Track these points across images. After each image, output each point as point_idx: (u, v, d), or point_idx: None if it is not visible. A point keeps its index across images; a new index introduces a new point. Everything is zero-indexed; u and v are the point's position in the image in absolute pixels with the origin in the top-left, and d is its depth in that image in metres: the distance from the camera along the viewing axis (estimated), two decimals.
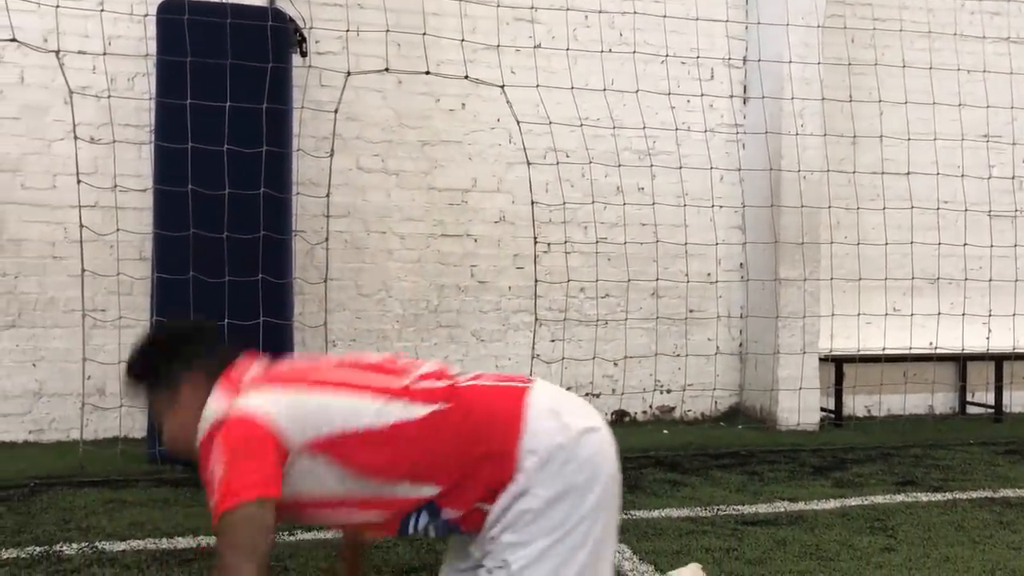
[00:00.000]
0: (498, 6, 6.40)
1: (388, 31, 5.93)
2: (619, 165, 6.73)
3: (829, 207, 6.98)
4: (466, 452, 1.73)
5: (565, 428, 1.77)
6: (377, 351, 6.41)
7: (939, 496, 4.83)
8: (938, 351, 7.22)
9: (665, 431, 6.69)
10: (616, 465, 1.84)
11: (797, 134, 6.77)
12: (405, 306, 6.57)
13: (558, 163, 6.51)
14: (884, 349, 7.01)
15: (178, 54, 5.23)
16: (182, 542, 3.88)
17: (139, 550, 3.76)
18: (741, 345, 7.30)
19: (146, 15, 5.70)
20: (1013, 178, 7.60)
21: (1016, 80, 7.39)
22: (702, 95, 6.93)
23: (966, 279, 7.38)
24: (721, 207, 7.08)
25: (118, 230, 5.69)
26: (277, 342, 5.44)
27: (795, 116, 6.77)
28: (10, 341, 5.91)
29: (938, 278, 7.38)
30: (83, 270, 5.39)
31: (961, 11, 7.59)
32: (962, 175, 7.26)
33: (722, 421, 7.13)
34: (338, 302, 6.34)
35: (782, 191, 6.81)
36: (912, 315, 7.14)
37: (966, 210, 7.29)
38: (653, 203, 6.79)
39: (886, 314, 7.11)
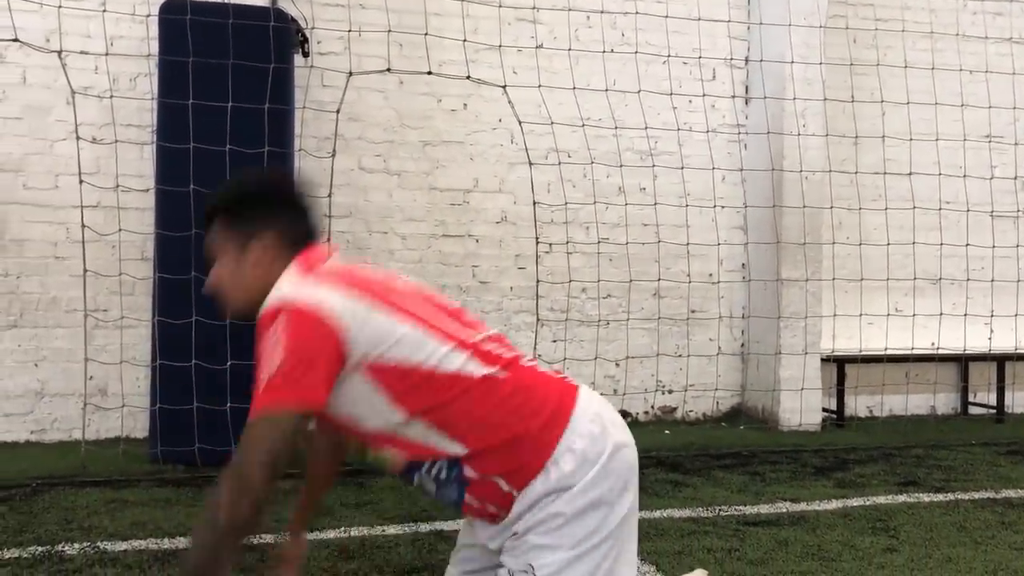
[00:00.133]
0: (500, 6, 6.40)
1: (390, 31, 5.94)
2: (621, 165, 6.72)
3: (831, 207, 6.98)
4: (506, 425, 1.68)
5: (606, 437, 1.73)
6: None
7: (941, 497, 4.83)
8: (940, 351, 7.21)
9: (667, 431, 6.69)
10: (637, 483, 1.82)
11: (799, 134, 6.77)
12: None
13: (560, 163, 6.51)
14: (886, 349, 7.01)
15: (180, 54, 5.23)
16: (184, 542, 3.88)
17: (141, 550, 3.76)
18: (743, 345, 7.30)
19: (148, 15, 5.70)
20: (1015, 178, 7.60)
21: (1019, 80, 7.38)
22: (704, 95, 6.93)
23: (968, 279, 7.37)
24: (723, 207, 7.08)
25: (120, 230, 5.69)
26: None
27: (797, 116, 6.77)
28: (12, 341, 5.91)
29: (940, 278, 7.37)
30: (85, 270, 5.39)
31: (963, 11, 7.58)
32: (964, 175, 7.25)
33: (724, 421, 7.13)
34: None
35: (784, 191, 6.81)
36: (914, 315, 7.13)
37: (968, 210, 7.29)
38: (655, 203, 6.79)
39: (888, 314, 7.10)
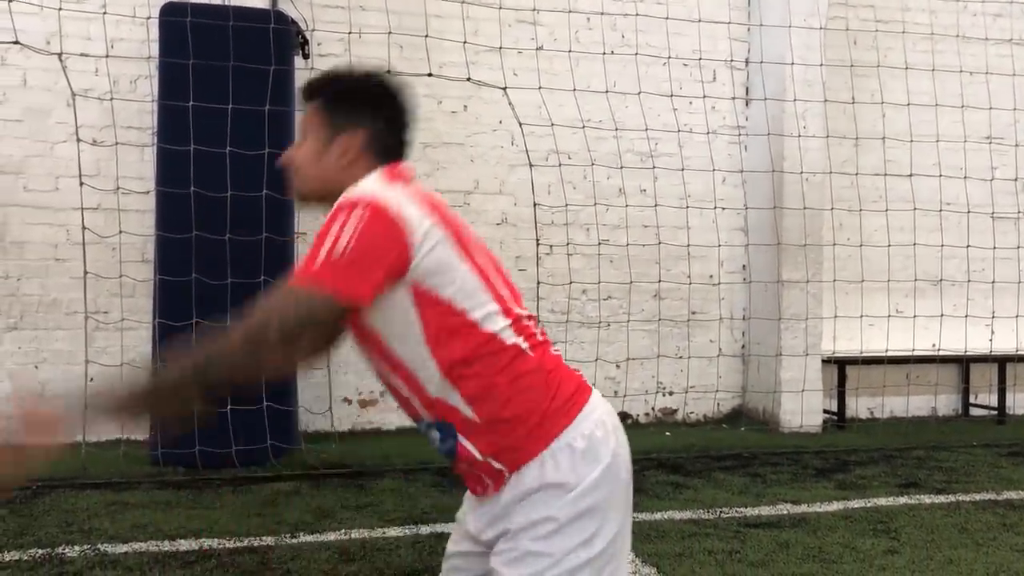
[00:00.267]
0: (500, 8, 6.40)
1: (390, 33, 5.94)
2: (621, 167, 6.72)
3: (832, 209, 6.97)
4: (517, 401, 1.65)
5: (607, 443, 1.69)
6: None
7: (942, 498, 4.82)
8: (941, 353, 7.21)
9: (668, 433, 6.68)
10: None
11: (799, 136, 6.76)
12: None
13: (560, 165, 6.51)
14: (887, 351, 7.00)
15: (180, 56, 5.23)
16: (184, 544, 3.88)
17: (141, 552, 3.76)
18: (743, 347, 7.30)
19: (149, 17, 5.70)
20: (1016, 180, 7.59)
21: (1019, 82, 7.38)
22: (704, 97, 6.93)
23: (969, 281, 7.37)
24: (723, 209, 7.08)
25: (120, 232, 5.69)
26: None
27: (797, 118, 6.77)
28: (12, 343, 5.91)
29: (941, 280, 7.37)
30: (85, 272, 5.39)
31: (963, 13, 7.58)
32: (965, 177, 7.25)
33: (724, 423, 7.12)
34: None
35: (784, 193, 6.80)
36: (915, 317, 7.13)
37: (969, 212, 7.29)
38: (655, 205, 6.79)
39: (889, 316, 7.10)
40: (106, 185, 5.79)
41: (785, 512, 4.53)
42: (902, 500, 4.78)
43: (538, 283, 6.44)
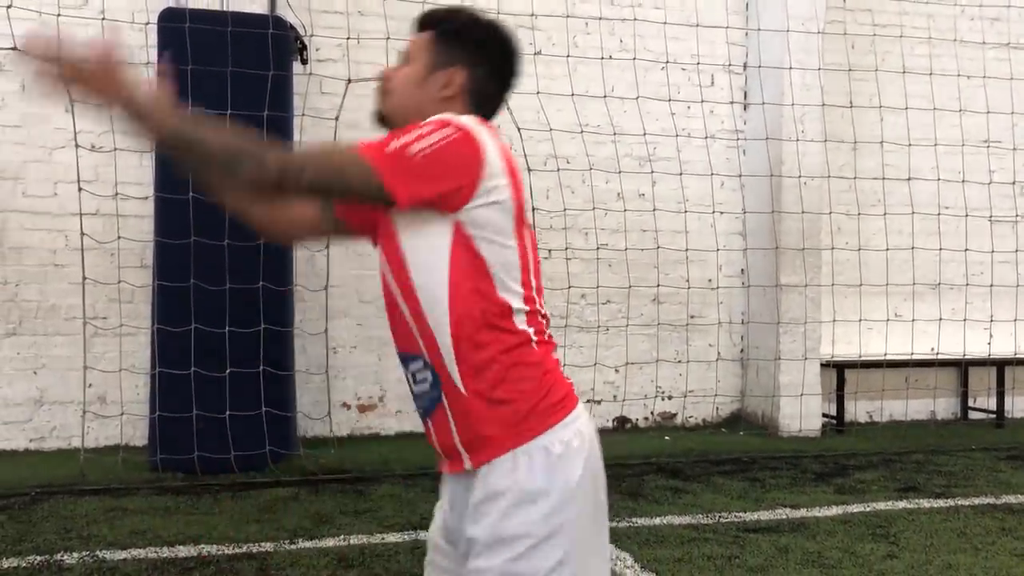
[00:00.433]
0: (498, 14, 6.41)
1: (388, 38, 5.93)
2: (619, 172, 6.73)
3: (830, 213, 6.98)
4: (506, 385, 1.62)
5: (582, 455, 1.66)
6: (378, 360, 6.42)
7: (941, 502, 4.83)
8: (940, 356, 7.21)
9: (667, 437, 6.68)
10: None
11: (798, 140, 6.77)
12: None
13: (559, 169, 6.51)
14: (886, 355, 7.01)
15: (179, 62, 5.23)
16: (183, 551, 3.87)
17: (140, 559, 3.75)
18: (742, 351, 7.30)
19: (147, 23, 5.71)
20: (1014, 183, 7.61)
21: (1016, 85, 7.40)
22: (702, 101, 6.93)
23: (967, 284, 7.37)
24: (722, 213, 7.08)
25: (119, 238, 5.70)
26: (277, 350, 5.45)
27: (795, 122, 6.78)
28: (11, 349, 5.91)
29: (939, 283, 7.37)
30: (84, 278, 5.39)
31: (961, 17, 7.59)
32: (963, 180, 7.26)
33: (723, 427, 7.12)
34: (339, 309, 6.34)
35: (783, 197, 6.81)
36: (913, 321, 7.13)
37: (967, 215, 7.30)
38: (654, 209, 6.79)
39: (887, 320, 7.11)
40: (105, 191, 5.79)
41: (784, 517, 4.53)
42: (901, 504, 4.78)
43: None
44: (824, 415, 7.02)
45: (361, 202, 1.69)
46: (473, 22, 1.81)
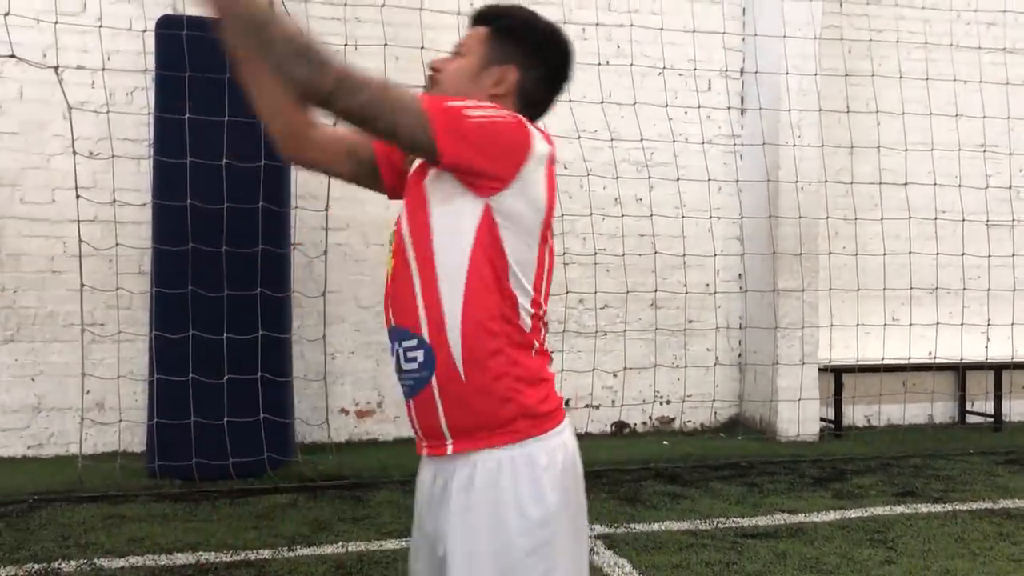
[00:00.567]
0: None
1: (386, 45, 5.95)
2: (617, 177, 6.74)
3: (827, 217, 7.00)
4: (505, 383, 1.60)
5: (569, 469, 1.65)
6: (376, 365, 6.42)
7: (939, 507, 4.83)
8: (937, 360, 7.23)
9: (665, 442, 6.68)
10: None
11: (795, 145, 6.78)
12: None
13: (556, 175, 6.50)
14: (883, 359, 7.02)
15: (177, 69, 5.24)
16: (181, 558, 3.87)
17: (138, 567, 3.75)
18: (740, 356, 7.31)
19: (145, 30, 5.71)
20: (1010, 187, 7.62)
21: (1012, 90, 7.41)
22: (699, 107, 6.95)
23: (964, 288, 7.39)
24: (719, 218, 7.09)
25: (117, 244, 5.70)
26: (275, 356, 5.45)
27: (792, 127, 6.79)
28: (9, 355, 5.90)
29: (936, 288, 7.38)
30: (82, 284, 5.39)
31: (957, 22, 7.61)
32: (959, 185, 7.28)
33: (722, 432, 7.13)
34: (337, 315, 6.35)
35: (780, 202, 6.82)
36: (911, 325, 7.14)
37: (964, 220, 7.31)
38: (651, 214, 6.80)
39: (885, 324, 7.12)
40: (102, 197, 5.79)
41: (782, 522, 4.54)
42: (899, 509, 4.79)
43: None
44: (822, 419, 7.03)
45: (401, 145, 1.63)
46: (532, 23, 1.79)
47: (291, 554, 3.94)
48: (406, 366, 1.66)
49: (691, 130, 6.99)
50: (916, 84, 7.18)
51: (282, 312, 5.57)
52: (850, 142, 7.09)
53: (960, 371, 7.55)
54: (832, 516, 4.65)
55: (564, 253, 6.72)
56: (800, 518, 4.61)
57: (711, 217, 6.99)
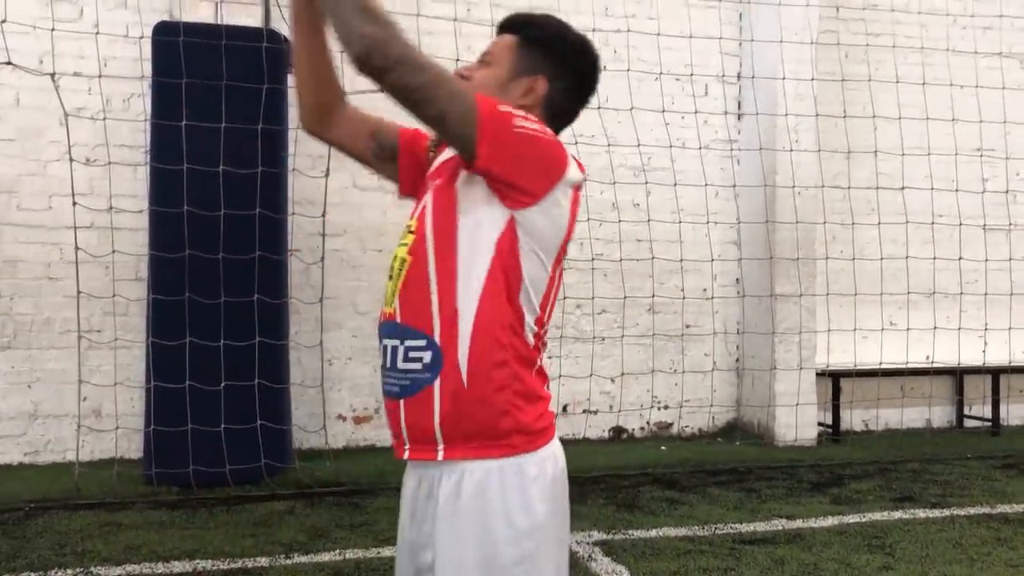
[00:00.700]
0: (493, 25, 6.41)
1: None
2: (614, 182, 6.74)
3: (824, 222, 7.00)
4: (505, 396, 1.59)
5: (558, 482, 1.65)
6: (373, 371, 6.41)
7: (937, 512, 4.83)
8: (935, 365, 7.22)
9: (663, 447, 6.68)
10: None
11: (791, 150, 6.79)
12: None
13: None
14: (881, 363, 7.01)
15: (173, 75, 5.24)
16: (178, 566, 3.86)
17: (135, 575, 3.74)
18: (738, 361, 7.30)
19: (141, 37, 5.71)
20: (1007, 192, 7.62)
21: (1008, 94, 7.41)
22: (696, 112, 6.95)
23: (962, 293, 7.39)
24: (716, 223, 7.09)
25: (114, 251, 5.69)
26: (272, 362, 5.44)
27: (789, 132, 6.79)
28: (5, 362, 5.89)
29: (934, 292, 7.38)
30: (79, 291, 5.38)
31: (953, 26, 7.62)
32: (956, 189, 7.28)
33: (720, 437, 7.12)
34: (334, 321, 6.34)
35: (777, 207, 6.82)
36: (908, 329, 7.14)
37: (961, 224, 7.32)
38: (648, 219, 6.80)
39: (882, 328, 7.12)
40: (99, 204, 5.78)
41: (780, 528, 4.53)
42: (897, 515, 4.79)
43: None
44: (820, 424, 7.03)
45: (443, 135, 1.60)
46: (562, 33, 1.78)
47: (288, 561, 3.93)
48: (405, 365, 1.63)
49: (688, 135, 6.99)
50: (913, 88, 7.19)
51: (279, 318, 5.56)
52: (847, 146, 7.09)
53: (958, 375, 7.55)
54: (830, 521, 4.65)
55: None
56: (798, 524, 4.61)
57: (708, 222, 6.99)
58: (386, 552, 4.05)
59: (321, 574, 3.76)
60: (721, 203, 7.15)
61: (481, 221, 1.59)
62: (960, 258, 7.30)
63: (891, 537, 4.35)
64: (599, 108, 6.58)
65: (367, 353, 6.47)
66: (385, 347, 1.67)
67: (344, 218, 6.39)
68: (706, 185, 6.95)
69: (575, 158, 1.68)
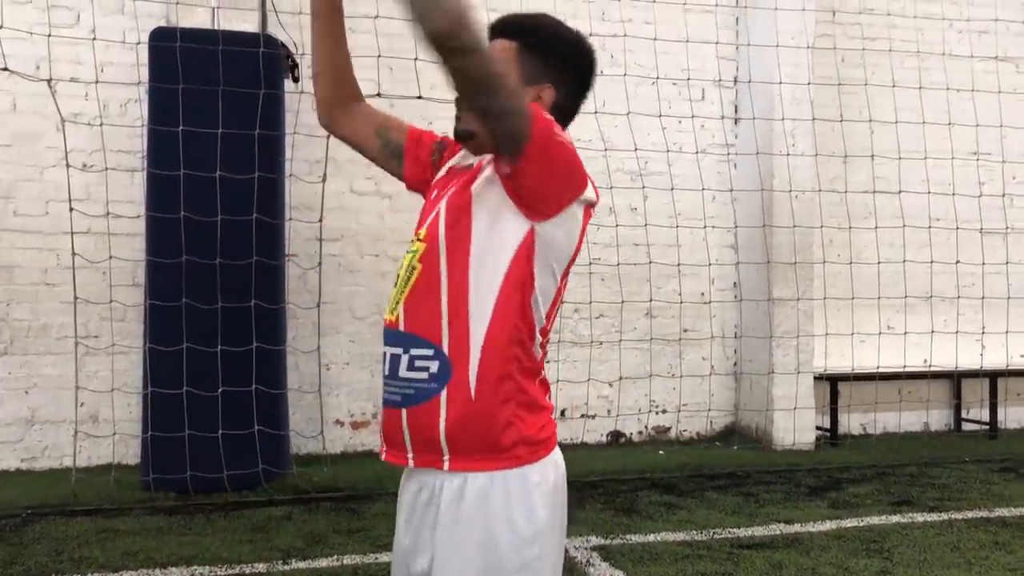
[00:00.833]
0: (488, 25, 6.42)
1: (380, 56, 5.95)
2: (611, 187, 6.73)
3: (821, 226, 7.00)
4: (509, 408, 1.59)
5: (559, 490, 1.66)
6: (371, 376, 6.41)
7: (935, 516, 4.83)
8: (932, 368, 7.23)
9: (661, 452, 6.67)
10: None
11: (788, 154, 6.80)
12: None
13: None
14: (878, 367, 7.02)
15: (170, 81, 5.24)
16: (176, 572, 3.86)
17: None
18: (735, 365, 7.30)
19: (138, 42, 5.70)
20: (1003, 195, 7.63)
21: (1004, 98, 7.43)
22: (693, 116, 6.96)
23: (959, 296, 7.40)
24: (713, 227, 7.10)
25: (111, 257, 5.68)
26: (270, 368, 5.43)
27: (786, 136, 6.80)
28: (2, 368, 5.88)
29: (931, 296, 7.39)
30: (75, 297, 5.37)
31: (949, 30, 7.64)
32: (953, 193, 7.29)
33: (718, 441, 7.12)
34: (332, 326, 6.33)
35: (774, 211, 6.83)
36: (906, 333, 7.15)
37: (957, 227, 7.33)
38: (646, 224, 6.80)
39: (880, 332, 7.12)
40: (96, 210, 5.78)
41: (778, 532, 4.53)
42: (895, 519, 4.79)
43: None
44: (818, 428, 7.03)
45: (495, 129, 1.55)
46: (560, 35, 1.77)
47: (286, 567, 3.92)
48: (410, 374, 1.61)
49: (685, 139, 7.00)
50: (909, 92, 7.20)
51: (276, 324, 5.56)
52: (844, 151, 7.10)
53: (955, 379, 7.56)
54: (828, 526, 4.65)
55: None
56: (796, 528, 4.61)
57: (705, 226, 7.00)
58: (384, 557, 4.05)
59: None
60: (718, 207, 7.16)
61: (498, 231, 1.59)
62: (957, 262, 7.31)
63: (889, 541, 4.35)
64: (596, 112, 6.59)
65: (364, 358, 6.46)
66: (386, 355, 1.66)
67: (341, 223, 6.38)
68: (703, 189, 6.95)
69: (591, 180, 1.71)
